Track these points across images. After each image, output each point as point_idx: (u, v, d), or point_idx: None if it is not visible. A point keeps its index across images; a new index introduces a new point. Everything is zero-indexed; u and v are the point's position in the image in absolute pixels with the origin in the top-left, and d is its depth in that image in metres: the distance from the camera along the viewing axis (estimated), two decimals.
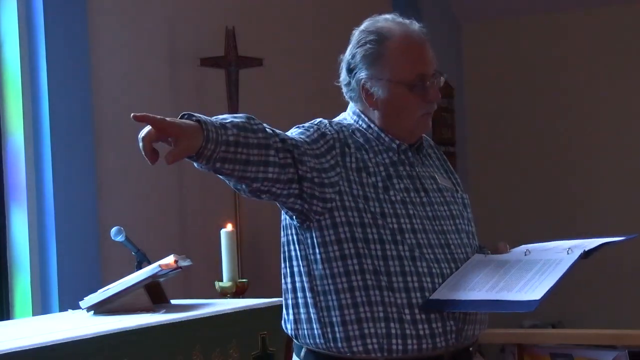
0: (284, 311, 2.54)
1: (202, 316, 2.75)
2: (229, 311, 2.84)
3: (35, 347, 2.27)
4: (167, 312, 2.75)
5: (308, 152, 2.39)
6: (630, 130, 6.70)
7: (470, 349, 2.53)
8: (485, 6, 6.76)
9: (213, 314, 2.79)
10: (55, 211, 4.09)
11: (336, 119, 2.65)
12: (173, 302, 2.98)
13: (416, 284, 2.41)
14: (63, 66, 4.17)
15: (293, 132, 2.47)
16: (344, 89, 2.64)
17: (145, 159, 2.21)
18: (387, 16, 2.58)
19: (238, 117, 2.37)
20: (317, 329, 2.44)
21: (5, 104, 4.15)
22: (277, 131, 2.36)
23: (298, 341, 2.51)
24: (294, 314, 2.50)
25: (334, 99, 6.18)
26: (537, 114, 6.88)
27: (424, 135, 2.64)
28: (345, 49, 2.73)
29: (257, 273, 5.12)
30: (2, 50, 4.15)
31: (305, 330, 2.47)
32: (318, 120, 2.57)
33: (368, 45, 2.56)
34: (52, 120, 4.10)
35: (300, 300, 2.48)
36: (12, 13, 4.11)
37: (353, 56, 2.58)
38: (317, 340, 2.45)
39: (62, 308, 3.88)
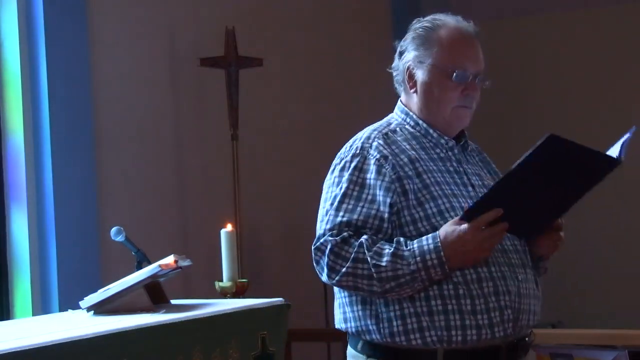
0: (339, 310, 2.61)
1: (202, 316, 2.75)
2: (229, 311, 2.83)
3: (35, 347, 2.26)
4: (167, 312, 2.75)
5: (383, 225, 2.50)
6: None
7: (527, 339, 2.58)
8: (486, 6, 6.75)
9: (213, 314, 2.78)
10: (55, 211, 4.09)
11: (383, 121, 2.70)
12: (173, 302, 2.98)
13: (474, 276, 2.48)
14: (63, 66, 4.17)
15: (363, 209, 2.52)
16: (393, 74, 2.70)
17: None
18: (447, 14, 2.67)
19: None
20: (370, 324, 2.51)
21: (5, 104, 4.15)
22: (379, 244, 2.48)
23: (356, 336, 2.57)
24: (346, 312, 2.57)
25: (334, 99, 6.18)
26: (537, 113, 6.88)
27: (469, 141, 2.71)
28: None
29: (257, 273, 5.11)
30: (2, 50, 4.15)
31: (360, 327, 2.54)
32: (355, 150, 2.59)
33: (420, 29, 2.63)
34: (52, 120, 4.11)
35: (354, 298, 2.54)
36: (12, 13, 4.11)
37: (405, 39, 2.65)
38: (373, 335, 2.52)
39: (62, 308, 3.88)
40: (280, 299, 2.99)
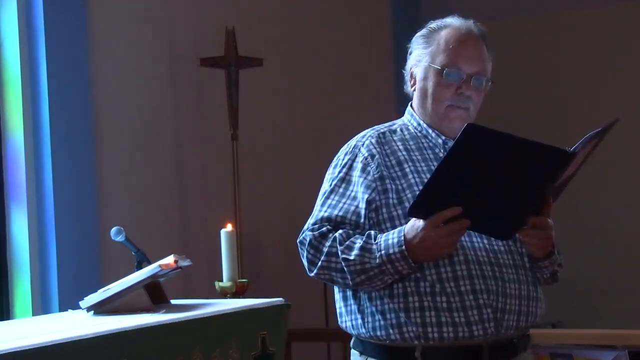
0: (336, 305, 2.67)
1: (202, 316, 2.75)
2: (229, 311, 2.83)
3: (35, 347, 2.26)
4: (167, 312, 2.75)
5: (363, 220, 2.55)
6: (631, 130, 6.69)
7: (514, 340, 2.55)
8: (485, 6, 6.75)
9: (213, 314, 2.79)
10: (55, 211, 4.09)
11: (389, 122, 2.73)
12: (173, 302, 2.98)
13: (450, 274, 2.48)
14: (63, 66, 4.17)
15: (347, 204, 2.57)
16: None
17: None
18: (458, 17, 2.70)
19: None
20: (358, 319, 2.56)
21: (5, 104, 4.15)
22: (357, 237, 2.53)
23: (349, 331, 2.63)
24: (340, 307, 2.63)
25: (334, 99, 6.17)
26: (537, 114, 6.88)
27: None
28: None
29: (257, 273, 5.11)
30: (2, 50, 4.15)
31: (351, 322, 2.59)
32: (349, 148, 2.66)
33: (424, 30, 2.68)
34: (52, 120, 4.10)
35: (347, 293, 2.60)
36: (12, 13, 4.11)
37: (412, 42, 2.70)
38: (360, 330, 2.57)
39: (62, 308, 3.88)
40: (280, 299, 3.00)
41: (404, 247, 2.42)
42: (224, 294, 3.91)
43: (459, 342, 2.47)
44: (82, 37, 4.30)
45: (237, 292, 3.94)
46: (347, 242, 2.48)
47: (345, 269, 2.47)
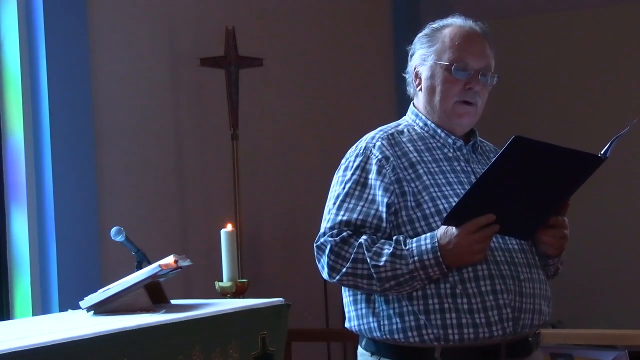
0: (345, 309, 2.64)
1: (202, 316, 2.75)
2: (229, 311, 2.84)
3: (35, 347, 2.26)
4: (167, 312, 2.75)
5: (381, 224, 2.53)
6: (632, 129, 6.68)
7: (530, 339, 2.57)
8: (486, 6, 6.75)
9: (213, 314, 2.79)
10: (55, 211, 4.09)
11: (393, 123, 2.73)
12: (173, 302, 2.98)
13: (472, 274, 2.49)
14: (63, 66, 4.17)
15: (361, 206, 2.56)
16: (406, 77, 2.74)
17: None
18: (459, 16, 2.71)
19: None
20: (372, 322, 2.55)
21: (5, 104, 4.15)
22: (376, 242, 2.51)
23: (360, 334, 2.62)
24: (350, 310, 2.61)
25: (333, 99, 6.17)
26: (537, 114, 6.88)
27: (485, 141, 2.75)
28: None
29: (257, 273, 5.11)
30: (2, 50, 4.15)
31: (362, 325, 2.57)
32: (359, 150, 2.64)
33: (427, 29, 2.69)
34: (52, 120, 4.10)
35: (358, 297, 2.58)
36: (12, 13, 4.11)
37: (414, 42, 2.70)
38: (374, 333, 2.55)
39: (62, 308, 3.88)
40: (280, 299, 3.00)
41: (438, 253, 2.43)
42: (224, 294, 3.91)
43: (478, 343, 2.48)
44: (82, 37, 4.30)
45: (237, 292, 3.94)
46: (374, 248, 2.47)
47: (374, 275, 2.46)
